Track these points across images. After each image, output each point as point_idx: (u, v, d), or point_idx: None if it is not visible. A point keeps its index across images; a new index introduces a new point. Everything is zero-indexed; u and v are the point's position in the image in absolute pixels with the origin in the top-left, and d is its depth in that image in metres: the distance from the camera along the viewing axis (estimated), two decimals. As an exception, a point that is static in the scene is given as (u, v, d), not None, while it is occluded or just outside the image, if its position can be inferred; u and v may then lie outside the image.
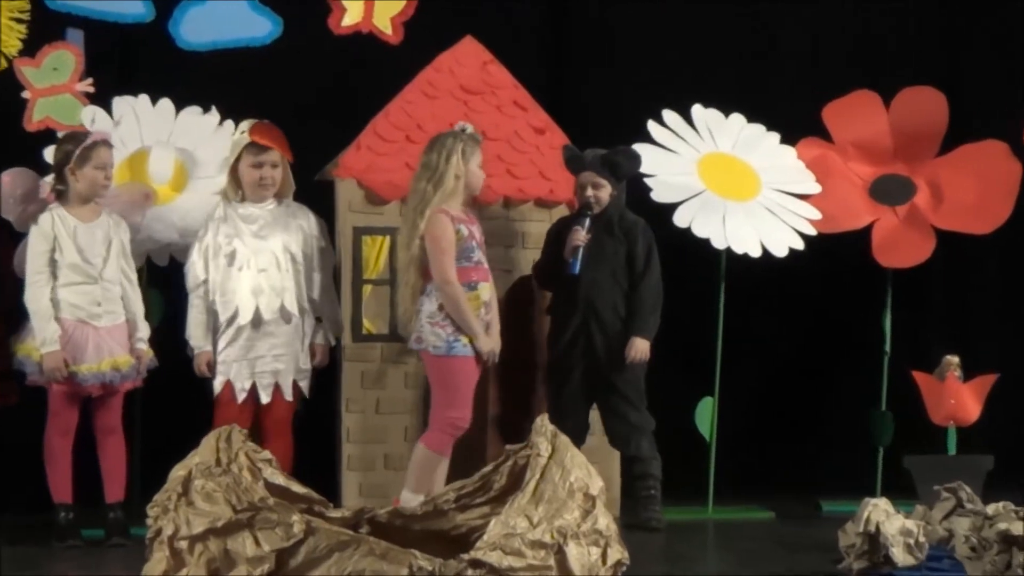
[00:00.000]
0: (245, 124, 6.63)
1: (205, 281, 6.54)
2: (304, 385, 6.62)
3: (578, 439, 6.64)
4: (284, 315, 6.55)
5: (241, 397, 6.50)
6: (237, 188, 6.63)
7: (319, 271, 6.68)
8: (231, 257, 6.54)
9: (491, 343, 6.33)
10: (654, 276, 6.83)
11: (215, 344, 6.54)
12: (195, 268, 6.55)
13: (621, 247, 6.83)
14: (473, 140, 6.36)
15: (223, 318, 6.52)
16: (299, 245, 6.63)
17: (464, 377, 6.28)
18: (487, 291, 6.38)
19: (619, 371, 6.79)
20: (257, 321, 6.51)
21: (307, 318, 6.64)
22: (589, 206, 6.80)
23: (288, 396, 6.56)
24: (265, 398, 6.53)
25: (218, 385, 6.53)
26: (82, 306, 6.35)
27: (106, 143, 6.43)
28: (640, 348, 6.77)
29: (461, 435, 6.30)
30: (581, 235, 6.74)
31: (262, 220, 6.61)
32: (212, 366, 6.53)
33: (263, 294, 6.53)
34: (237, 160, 6.60)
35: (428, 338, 6.26)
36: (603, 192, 6.82)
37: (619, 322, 6.81)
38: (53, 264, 6.34)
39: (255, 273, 6.54)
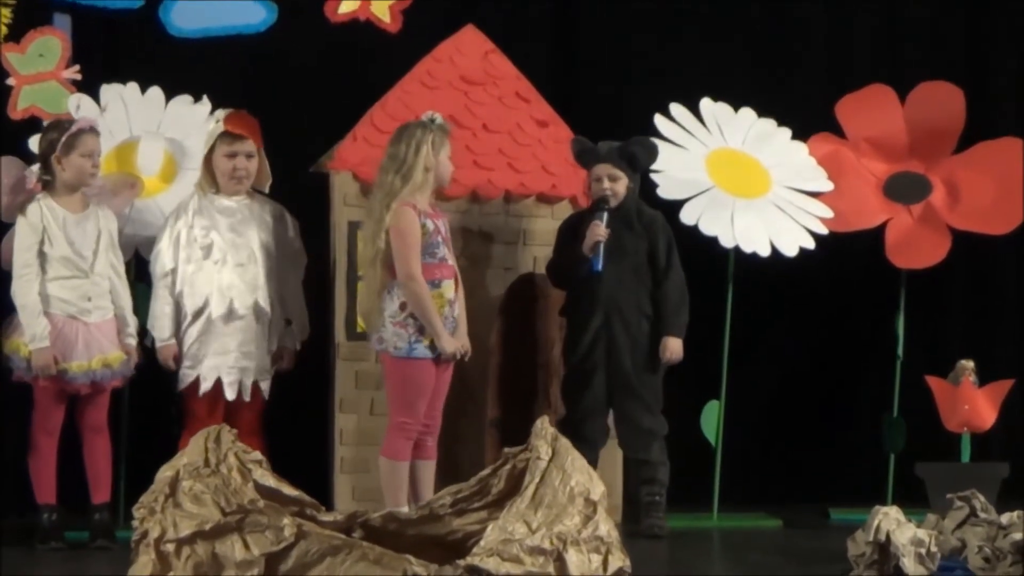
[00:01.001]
0: (220, 113, 6.58)
1: (173, 271, 6.47)
2: (264, 387, 6.55)
3: (599, 444, 6.61)
4: (257, 312, 6.50)
5: (204, 390, 6.43)
6: (212, 180, 6.56)
7: (292, 272, 6.65)
8: (208, 250, 6.47)
9: (455, 343, 6.18)
10: (677, 272, 6.75)
11: (183, 337, 6.46)
12: (163, 257, 6.48)
13: (642, 242, 6.73)
14: (442, 130, 6.23)
15: (190, 310, 6.45)
16: (273, 243, 6.58)
17: (421, 381, 6.15)
18: (451, 289, 6.23)
19: (640, 373, 6.69)
20: (229, 316, 6.45)
21: (276, 318, 6.58)
22: (606, 200, 6.68)
23: (247, 396, 6.50)
24: (230, 395, 6.46)
25: (187, 379, 6.46)
26: (72, 301, 6.27)
27: (93, 130, 6.36)
28: (673, 348, 6.69)
29: (415, 438, 6.19)
30: (602, 229, 6.60)
31: (239, 215, 6.56)
32: (178, 359, 6.46)
33: (237, 289, 6.47)
34: (211, 151, 6.53)
35: (389, 339, 6.14)
36: (620, 185, 6.71)
37: (644, 321, 6.71)
38: (42, 257, 6.27)
39: (232, 267, 6.48)
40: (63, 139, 6.25)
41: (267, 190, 6.66)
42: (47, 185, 6.31)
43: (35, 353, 6.16)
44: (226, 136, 6.48)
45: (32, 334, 6.16)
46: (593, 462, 6.18)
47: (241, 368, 6.46)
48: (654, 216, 6.77)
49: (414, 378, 6.12)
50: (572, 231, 6.75)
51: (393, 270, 6.13)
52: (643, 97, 7.38)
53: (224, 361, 6.44)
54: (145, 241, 6.69)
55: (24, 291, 6.21)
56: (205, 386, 6.41)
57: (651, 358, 6.70)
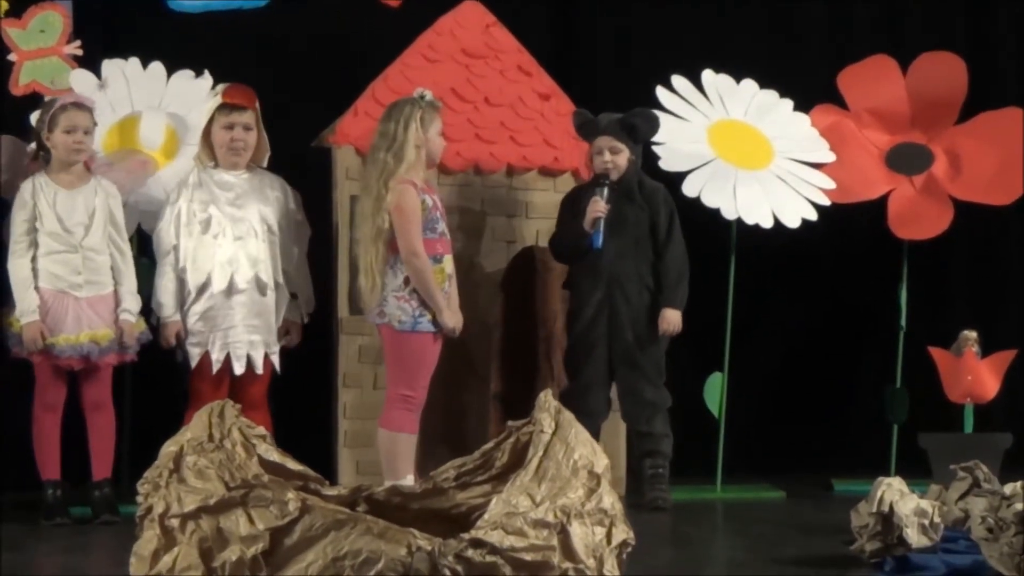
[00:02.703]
0: (220, 87, 6.54)
1: (175, 248, 6.45)
2: (275, 360, 6.53)
3: (600, 417, 6.60)
4: (259, 286, 6.48)
5: (216, 368, 6.42)
6: (210, 153, 6.54)
7: (295, 244, 6.62)
8: (206, 224, 6.45)
9: (455, 318, 6.21)
10: (678, 244, 6.73)
11: (186, 314, 6.45)
12: (165, 234, 6.46)
13: (643, 215, 6.71)
14: (432, 107, 6.24)
15: (193, 286, 6.43)
16: (276, 216, 6.55)
17: (424, 354, 6.18)
18: (451, 263, 6.28)
19: (642, 345, 6.69)
20: (230, 291, 6.43)
21: (281, 291, 6.56)
22: (607, 174, 6.63)
23: (259, 369, 6.48)
24: (239, 369, 6.44)
25: (196, 356, 6.44)
26: (62, 276, 6.27)
27: (77, 105, 6.33)
28: (672, 320, 6.67)
29: (417, 411, 6.20)
30: (601, 205, 6.58)
31: (239, 188, 6.52)
32: (181, 337, 6.44)
33: (238, 263, 6.44)
34: (209, 123, 6.51)
35: (393, 312, 6.14)
36: (621, 158, 6.68)
37: (646, 294, 6.70)
38: (33, 233, 6.27)
39: (231, 242, 6.45)
40: (48, 116, 6.26)
41: (265, 164, 6.63)
42: (44, 162, 6.32)
43: (25, 327, 6.17)
44: (224, 108, 6.45)
45: (22, 308, 6.18)
46: (595, 434, 6.20)
47: (249, 342, 6.44)
48: (655, 188, 6.75)
49: (418, 351, 6.14)
50: (572, 205, 6.73)
51: (394, 246, 6.13)
52: (645, 69, 7.35)
53: (231, 336, 6.41)
54: (146, 216, 6.66)
55: (16, 267, 6.22)
56: (217, 365, 6.39)
57: (652, 330, 6.69)
